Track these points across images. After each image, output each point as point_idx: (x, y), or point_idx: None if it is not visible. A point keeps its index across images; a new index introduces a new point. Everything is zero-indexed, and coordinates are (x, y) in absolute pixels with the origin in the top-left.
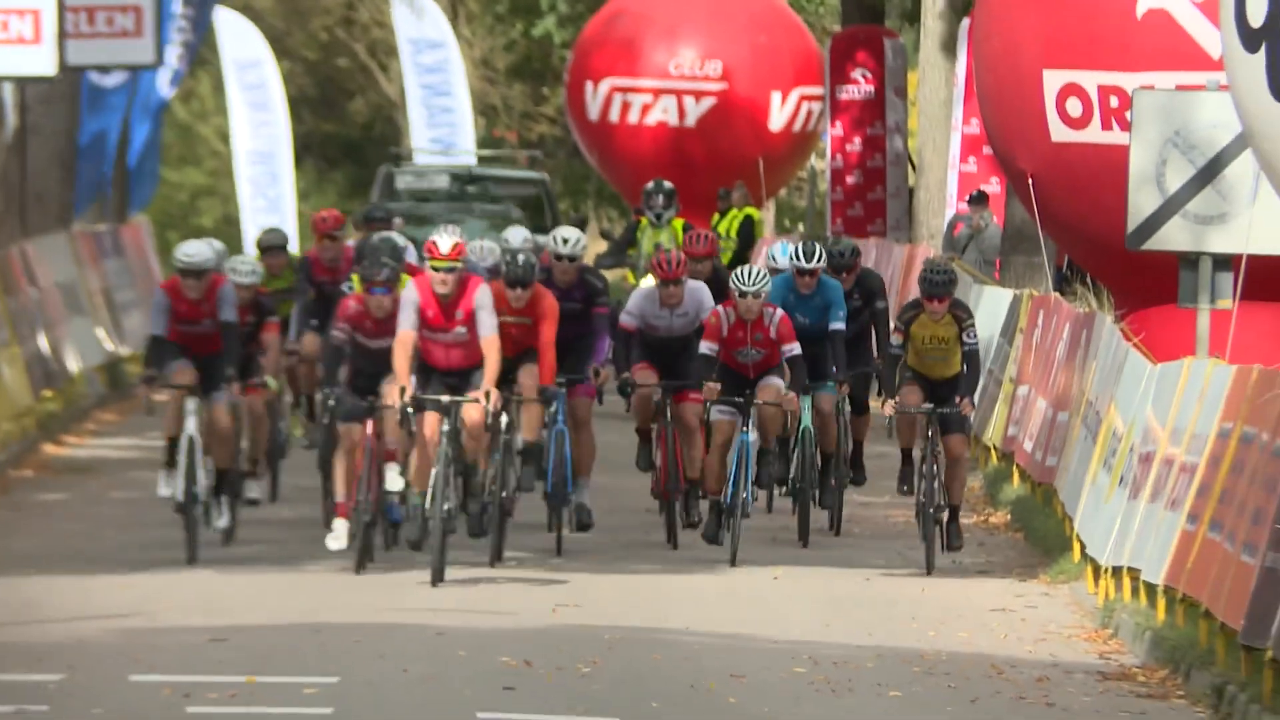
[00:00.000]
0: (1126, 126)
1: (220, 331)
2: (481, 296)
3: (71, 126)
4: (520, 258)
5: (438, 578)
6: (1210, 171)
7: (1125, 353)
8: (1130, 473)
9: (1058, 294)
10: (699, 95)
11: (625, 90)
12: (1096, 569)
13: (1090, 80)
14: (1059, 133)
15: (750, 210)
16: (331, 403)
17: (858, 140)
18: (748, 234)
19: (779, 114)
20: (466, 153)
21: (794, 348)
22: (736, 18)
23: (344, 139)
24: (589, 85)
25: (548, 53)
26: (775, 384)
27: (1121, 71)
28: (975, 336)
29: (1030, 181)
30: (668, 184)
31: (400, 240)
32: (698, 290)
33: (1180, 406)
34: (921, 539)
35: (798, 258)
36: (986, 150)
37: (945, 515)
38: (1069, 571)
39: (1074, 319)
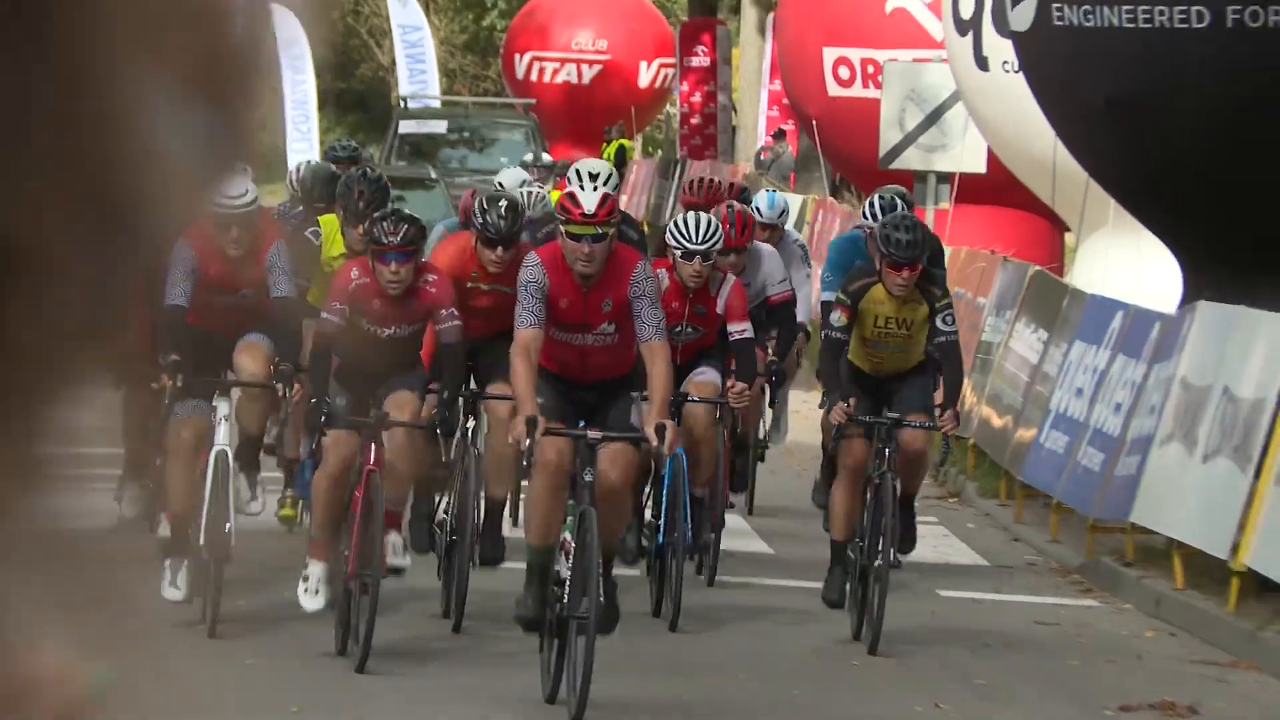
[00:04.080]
0: (879, 86)
1: (274, 307)
2: (641, 278)
3: None
4: (502, 205)
5: (580, 713)
6: (935, 116)
7: None
8: None
9: (832, 198)
10: (591, 63)
11: (541, 60)
12: None
13: (855, 55)
14: (834, 90)
15: (623, 141)
16: (324, 412)
17: (698, 94)
18: (620, 158)
19: (645, 76)
20: (471, 100)
21: (745, 327)
22: (616, 9)
23: (352, 93)
24: (517, 56)
25: (491, 35)
26: (710, 380)
27: (876, 49)
28: (953, 322)
29: (814, 123)
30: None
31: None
32: (762, 257)
33: None
34: (849, 607)
35: (875, 212)
36: (785, 101)
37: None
38: None
39: (842, 215)
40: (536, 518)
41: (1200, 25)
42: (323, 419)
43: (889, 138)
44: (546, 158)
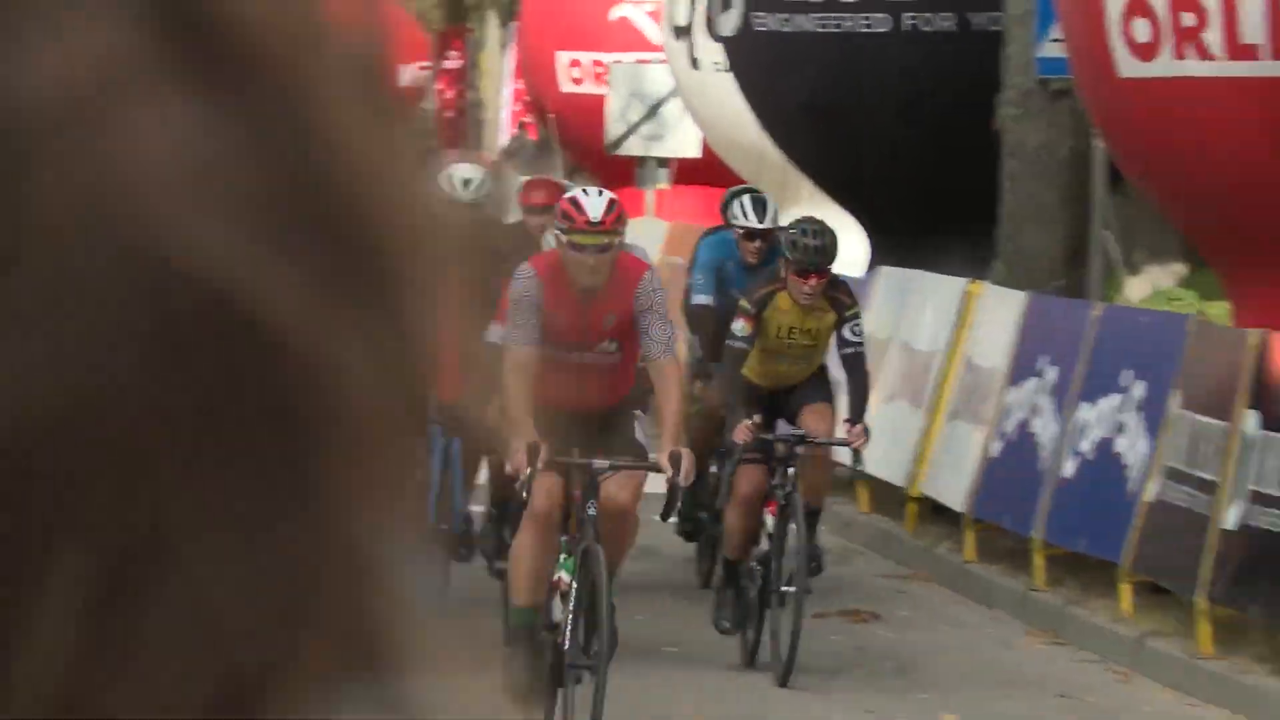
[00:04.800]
0: (606, 83)
1: None
2: (648, 290)
3: None
4: None
5: None
6: (654, 109)
7: None
8: None
9: (567, 182)
10: None
11: None
12: None
13: (586, 57)
14: (566, 86)
15: None
16: None
17: (450, 93)
18: None
19: (405, 77)
20: None
21: None
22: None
23: None
24: None
25: None
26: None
27: (604, 51)
28: (860, 333)
29: (551, 116)
30: None
31: None
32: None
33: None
34: (740, 625)
35: (744, 213)
36: (527, 98)
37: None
38: None
39: None
40: (524, 573)
41: (882, 30)
42: None
43: (614, 129)
44: None
